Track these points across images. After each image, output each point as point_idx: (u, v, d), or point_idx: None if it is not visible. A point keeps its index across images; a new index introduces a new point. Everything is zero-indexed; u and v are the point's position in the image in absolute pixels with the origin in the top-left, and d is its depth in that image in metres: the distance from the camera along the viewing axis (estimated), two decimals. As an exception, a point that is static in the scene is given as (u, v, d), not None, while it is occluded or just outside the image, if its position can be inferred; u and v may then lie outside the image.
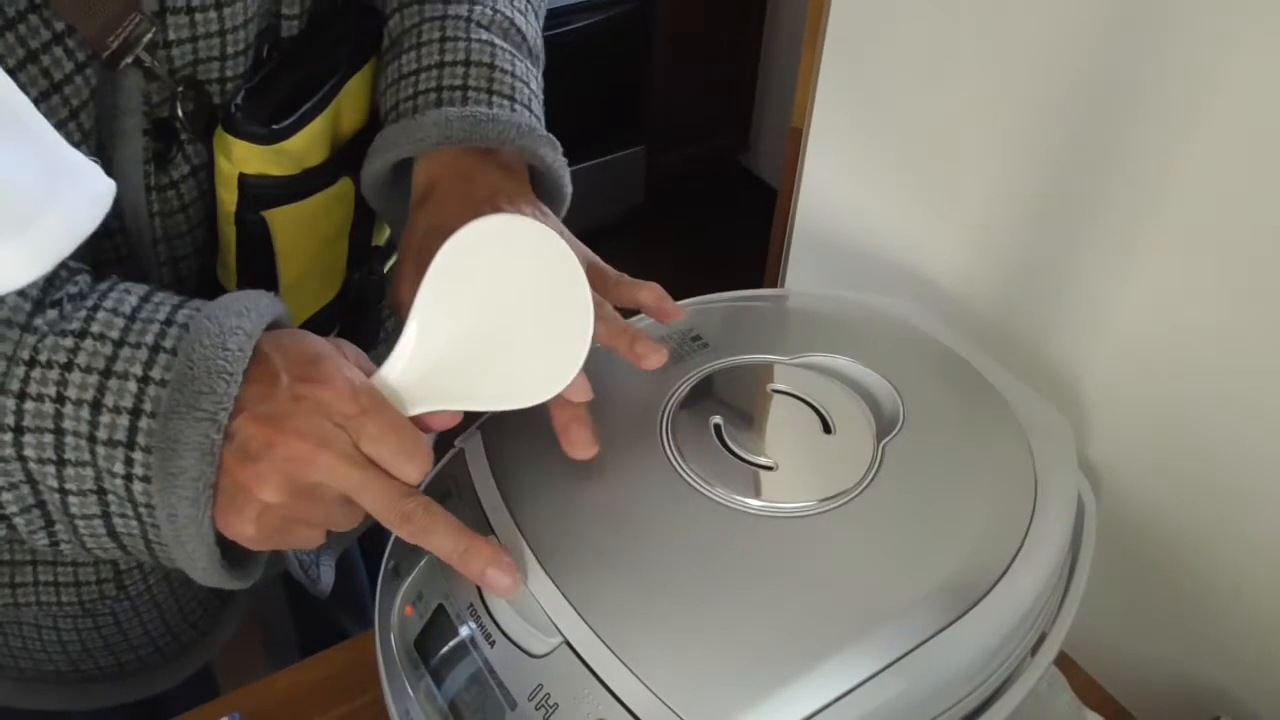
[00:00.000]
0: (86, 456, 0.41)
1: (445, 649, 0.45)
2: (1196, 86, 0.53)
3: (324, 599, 0.69)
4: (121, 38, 0.46)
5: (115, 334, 0.41)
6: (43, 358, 0.40)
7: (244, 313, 0.42)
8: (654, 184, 2.44)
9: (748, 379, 0.52)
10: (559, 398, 0.44)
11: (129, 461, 0.40)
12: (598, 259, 0.53)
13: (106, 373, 0.40)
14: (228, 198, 0.54)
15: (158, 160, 0.52)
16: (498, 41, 0.57)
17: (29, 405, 0.40)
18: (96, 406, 0.40)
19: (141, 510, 0.41)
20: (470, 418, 0.49)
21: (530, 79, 0.57)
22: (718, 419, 0.49)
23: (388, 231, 0.69)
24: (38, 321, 0.41)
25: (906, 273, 0.75)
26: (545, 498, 0.46)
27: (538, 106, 0.57)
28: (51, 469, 0.41)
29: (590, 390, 0.46)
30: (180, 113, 0.51)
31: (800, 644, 0.40)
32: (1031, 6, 0.60)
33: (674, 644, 0.40)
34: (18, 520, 0.42)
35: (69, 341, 0.41)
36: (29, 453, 0.41)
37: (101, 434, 0.40)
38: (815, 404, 0.50)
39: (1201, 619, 0.62)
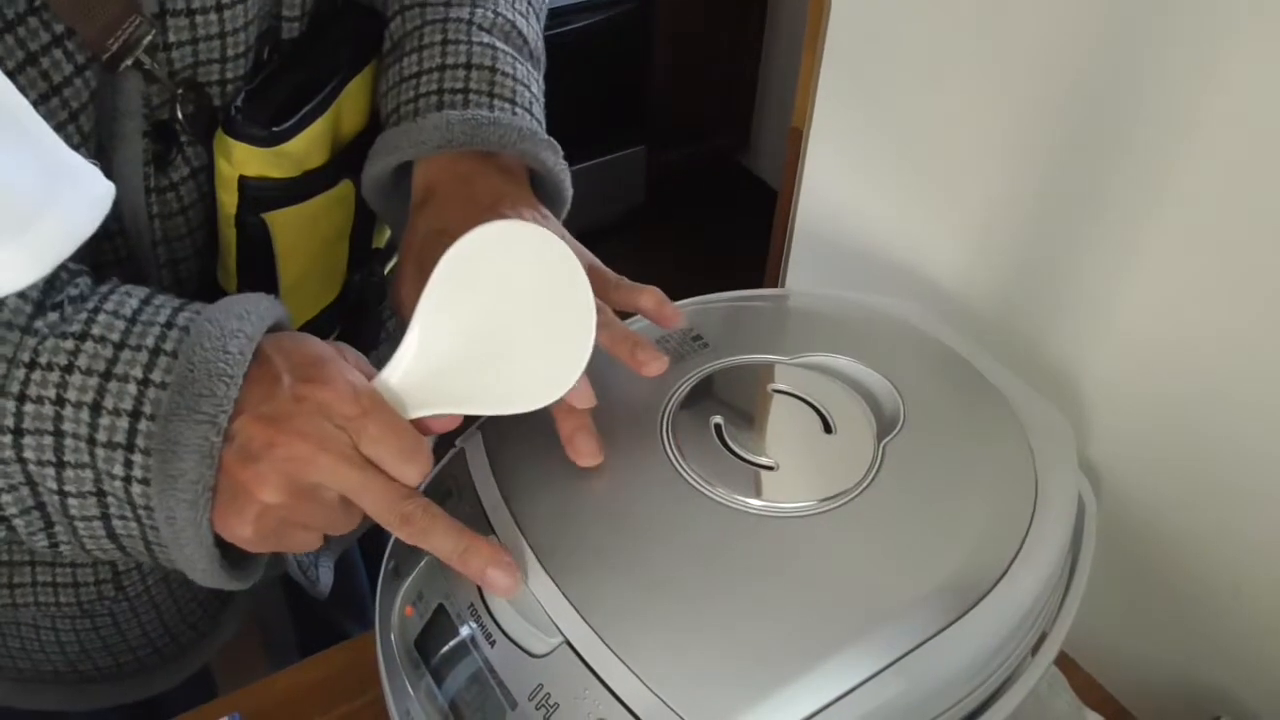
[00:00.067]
0: (86, 459, 0.41)
1: (446, 649, 0.45)
2: (1196, 86, 0.53)
3: (323, 600, 0.69)
4: (121, 40, 0.46)
5: (115, 336, 0.41)
6: (43, 360, 0.41)
7: (244, 315, 0.42)
8: (654, 184, 2.43)
9: (748, 379, 0.52)
10: (562, 403, 0.44)
11: (128, 464, 0.40)
12: (598, 262, 0.53)
13: (106, 375, 0.41)
14: (228, 200, 0.54)
15: (157, 162, 0.52)
16: (499, 45, 0.57)
17: (29, 407, 0.40)
18: (96, 409, 0.40)
19: (140, 512, 0.41)
20: (470, 419, 0.49)
21: (531, 82, 0.57)
22: (718, 419, 0.49)
23: (388, 233, 0.69)
24: (38, 324, 0.41)
25: (906, 273, 0.75)
26: (545, 497, 0.46)
27: (539, 110, 0.57)
28: (51, 471, 0.41)
29: (593, 396, 0.46)
30: (180, 115, 0.51)
31: (800, 644, 0.40)
32: (1031, 6, 0.60)
33: (674, 644, 0.40)
34: (17, 522, 0.42)
35: (69, 344, 0.41)
36: (29, 455, 0.41)
37: (101, 436, 0.40)
38: (816, 404, 0.50)
39: (1201, 619, 0.62)
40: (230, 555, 0.44)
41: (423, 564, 0.47)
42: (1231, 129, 0.52)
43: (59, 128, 0.45)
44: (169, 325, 0.42)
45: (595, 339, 0.43)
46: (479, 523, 0.45)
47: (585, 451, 0.46)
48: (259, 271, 0.57)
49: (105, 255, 0.52)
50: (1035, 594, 0.45)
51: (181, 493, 0.40)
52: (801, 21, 0.92)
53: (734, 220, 2.50)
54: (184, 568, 0.43)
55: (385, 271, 0.69)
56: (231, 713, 0.62)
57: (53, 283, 0.42)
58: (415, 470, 0.42)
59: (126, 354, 0.41)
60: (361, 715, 0.63)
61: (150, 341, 0.41)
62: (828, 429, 0.49)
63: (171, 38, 0.48)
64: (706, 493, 0.45)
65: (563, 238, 0.48)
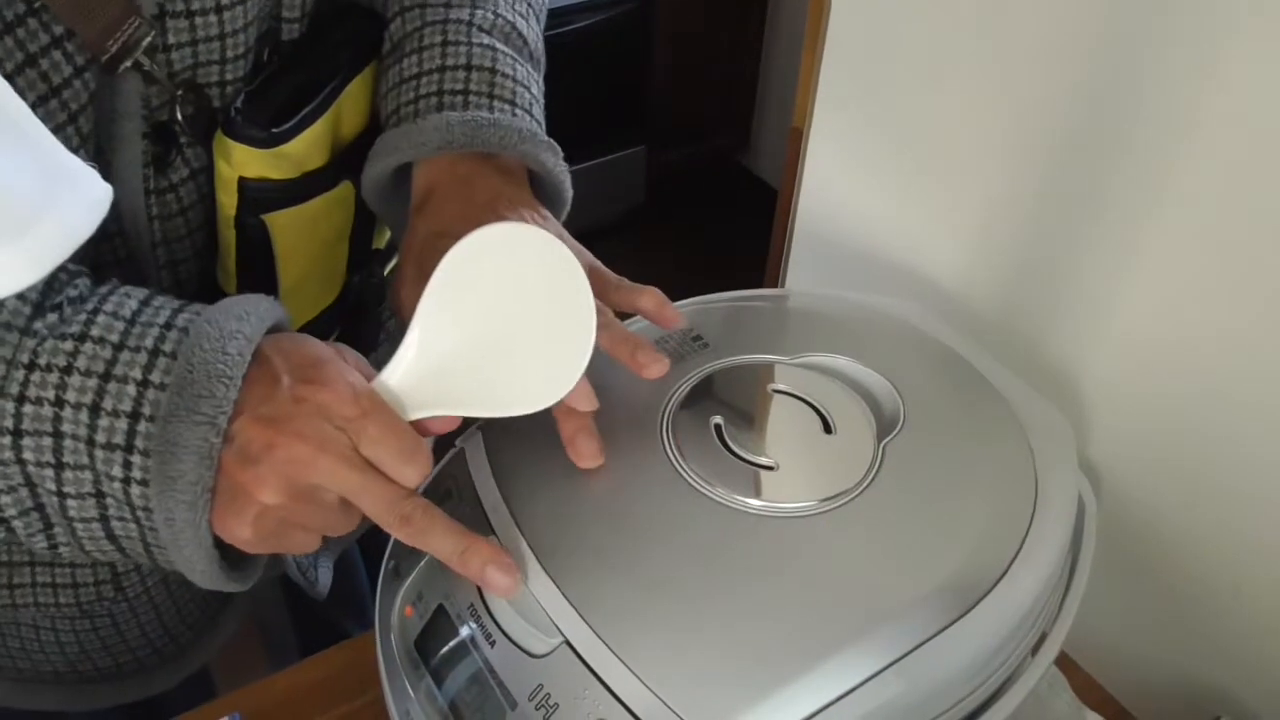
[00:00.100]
0: (85, 460, 0.41)
1: (445, 649, 0.45)
2: (1196, 86, 0.53)
3: (322, 600, 0.69)
4: (120, 41, 0.46)
5: (115, 338, 0.41)
6: (42, 361, 0.41)
7: (244, 317, 0.42)
8: (654, 184, 2.43)
9: (748, 379, 0.52)
10: (563, 405, 0.44)
11: (127, 465, 0.40)
12: (598, 263, 0.53)
13: (106, 376, 0.41)
14: (227, 201, 0.54)
15: (157, 164, 0.52)
16: (499, 46, 0.57)
17: (28, 409, 0.40)
18: (95, 410, 0.40)
19: (140, 514, 0.41)
20: (470, 419, 0.49)
21: (531, 83, 0.57)
22: (718, 419, 0.49)
23: (388, 234, 0.69)
24: (37, 325, 0.41)
25: (906, 273, 0.75)
26: (545, 497, 0.46)
27: (539, 111, 0.57)
28: (50, 472, 0.41)
29: (595, 399, 0.46)
30: (180, 116, 0.51)
31: (800, 644, 0.40)
32: (1031, 6, 0.60)
33: (674, 644, 0.40)
34: (16, 523, 0.42)
35: (68, 345, 0.41)
36: (28, 456, 0.41)
37: (100, 437, 0.40)
38: (816, 404, 0.50)
39: (1201, 619, 0.62)
40: (229, 556, 0.44)
41: (423, 564, 0.47)
42: (1231, 129, 0.52)
43: (58, 129, 0.45)
44: (168, 326, 0.42)
45: (596, 340, 0.43)
46: (479, 523, 0.45)
47: (586, 453, 0.46)
48: (259, 273, 0.57)
49: (105, 256, 0.52)
50: (1035, 594, 0.45)
51: (180, 494, 0.40)
52: (801, 21, 0.92)
53: (734, 220, 2.50)
54: (183, 569, 0.43)
55: (385, 273, 0.69)
56: (231, 713, 0.62)
57: (52, 284, 0.42)
58: (415, 471, 0.42)
59: (126, 355, 0.41)
60: (361, 715, 0.63)
61: (149, 343, 0.41)
62: (828, 429, 0.49)
63: (171, 39, 0.48)
64: (706, 493, 0.45)
65: (563, 239, 0.48)
